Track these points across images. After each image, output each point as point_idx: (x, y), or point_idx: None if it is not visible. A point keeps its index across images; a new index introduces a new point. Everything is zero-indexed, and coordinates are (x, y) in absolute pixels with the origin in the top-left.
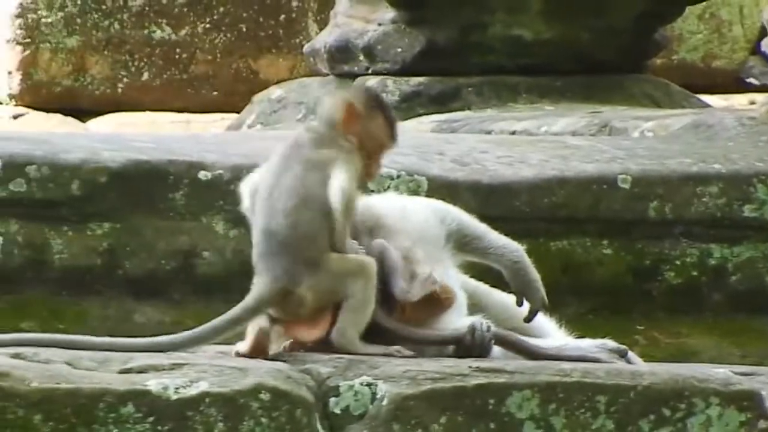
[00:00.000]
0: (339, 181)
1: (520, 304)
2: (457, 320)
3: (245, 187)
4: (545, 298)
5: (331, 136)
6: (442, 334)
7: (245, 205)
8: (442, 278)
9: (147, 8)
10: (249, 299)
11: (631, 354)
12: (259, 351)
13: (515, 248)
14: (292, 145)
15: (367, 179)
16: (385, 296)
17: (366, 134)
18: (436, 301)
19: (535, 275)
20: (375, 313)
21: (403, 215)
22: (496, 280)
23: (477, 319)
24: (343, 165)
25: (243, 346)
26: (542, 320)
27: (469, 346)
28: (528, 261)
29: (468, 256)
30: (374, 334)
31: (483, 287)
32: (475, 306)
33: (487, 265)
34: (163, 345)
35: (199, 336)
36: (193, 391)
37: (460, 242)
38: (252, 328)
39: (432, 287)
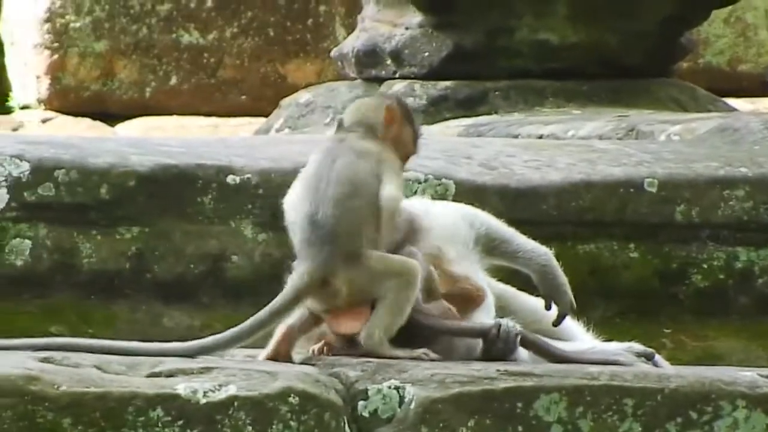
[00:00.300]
0: (391, 187)
1: (548, 307)
2: (485, 321)
3: (288, 201)
4: (573, 301)
5: (370, 138)
6: (469, 324)
7: (289, 219)
8: (469, 273)
9: (175, 13)
10: (288, 289)
11: (658, 357)
12: (282, 354)
13: (543, 252)
14: (333, 141)
15: None
16: None
17: (398, 140)
18: (468, 298)
19: (563, 279)
20: None
21: (431, 218)
22: (523, 284)
23: (506, 320)
24: (392, 168)
25: (264, 353)
26: (570, 323)
27: (494, 340)
28: (556, 264)
29: (496, 260)
30: (404, 331)
31: (510, 290)
32: (503, 309)
33: (514, 270)
34: (209, 346)
35: (243, 332)
36: (221, 394)
37: (489, 246)
38: (279, 330)
39: (449, 314)
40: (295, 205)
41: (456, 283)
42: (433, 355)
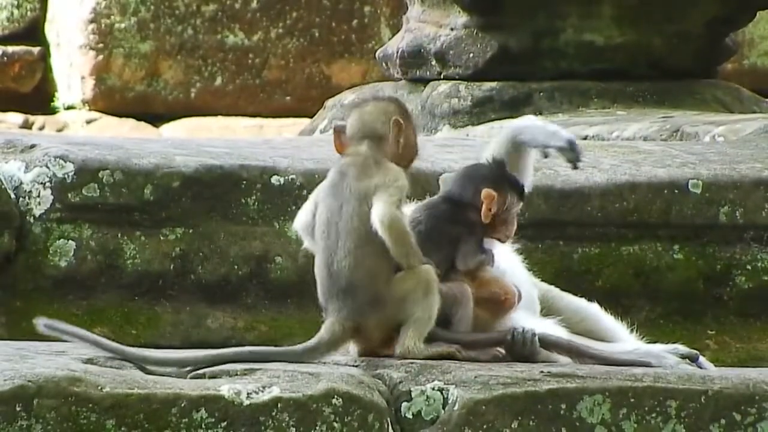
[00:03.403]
0: (378, 208)
1: None
2: (525, 320)
3: (298, 225)
4: None
5: (375, 156)
6: (485, 335)
7: (307, 243)
8: (501, 276)
9: (220, 13)
10: (324, 336)
11: (701, 359)
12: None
13: None
14: (338, 174)
15: None
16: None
17: (405, 148)
18: (496, 301)
19: None
20: None
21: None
22: (567, 286)
23: (520, 325)
24: (386, 187)
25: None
26: (614, 325)
27: (510, 344)
28: None
29: None
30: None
31: (555, 291)
32: (547, 309)
33: (557, 272)
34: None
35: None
36: (265, 396)
37: None
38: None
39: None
40: (309, 230)
41: (484, 287)
42: (464, 352)
